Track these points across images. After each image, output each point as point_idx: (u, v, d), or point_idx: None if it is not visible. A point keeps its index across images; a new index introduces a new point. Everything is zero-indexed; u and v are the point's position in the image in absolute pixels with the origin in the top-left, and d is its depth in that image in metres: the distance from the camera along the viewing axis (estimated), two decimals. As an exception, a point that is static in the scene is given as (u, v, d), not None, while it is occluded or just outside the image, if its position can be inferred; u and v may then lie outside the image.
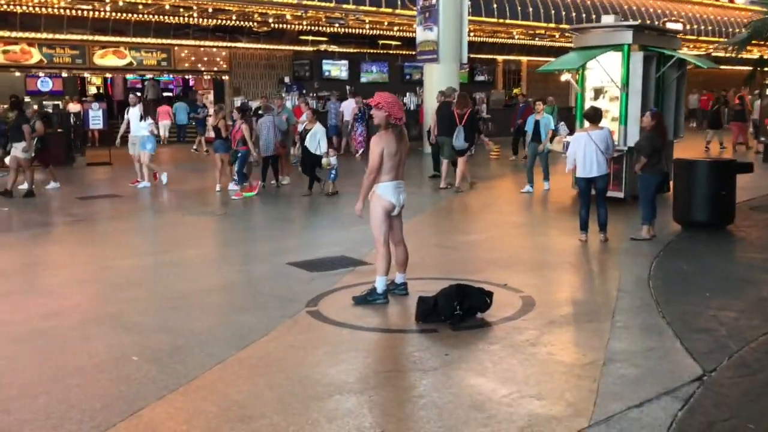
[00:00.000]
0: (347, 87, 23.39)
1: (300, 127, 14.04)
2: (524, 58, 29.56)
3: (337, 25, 22.45)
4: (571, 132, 12.04)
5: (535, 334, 5.17)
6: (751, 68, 12.84)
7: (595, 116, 8.62)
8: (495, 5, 23.87)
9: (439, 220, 10.56)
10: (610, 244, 8.36)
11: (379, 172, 6.04)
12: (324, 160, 12.35)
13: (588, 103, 12.02)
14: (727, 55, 16.80)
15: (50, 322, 5.67)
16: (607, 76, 11.42)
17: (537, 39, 27.22)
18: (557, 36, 27.10)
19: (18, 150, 12.36)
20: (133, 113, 13.79)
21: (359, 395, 4.14)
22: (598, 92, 11.93)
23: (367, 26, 23.31)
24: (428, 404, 3.99)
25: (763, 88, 17.35)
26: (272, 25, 21.92)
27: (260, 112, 15.08)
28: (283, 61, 23.93)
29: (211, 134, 15.53)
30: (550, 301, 5.99)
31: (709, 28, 30.91)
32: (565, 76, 14.40)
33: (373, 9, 21.21)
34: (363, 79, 24.65)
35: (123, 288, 6.72)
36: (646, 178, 8.65)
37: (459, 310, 5.42)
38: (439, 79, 20.76)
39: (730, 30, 31.18)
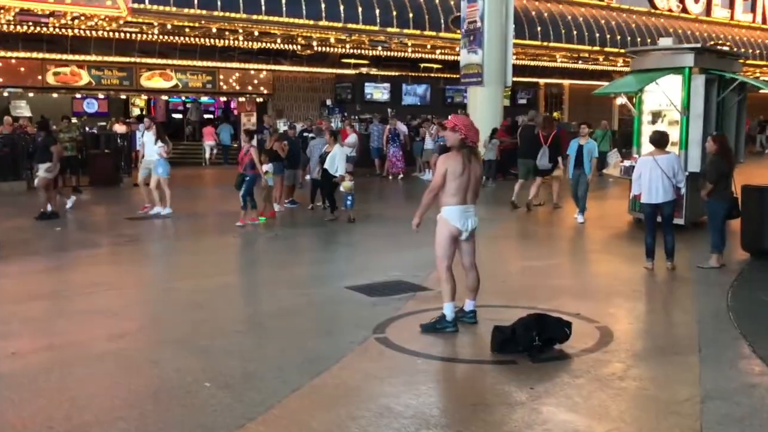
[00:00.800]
0: (389, 110, 23.42)
1: (318, 150, 13.24)
2: (566, 81, 29.35)
3: (380, 48, 22.51)
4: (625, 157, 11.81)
5: (620, 367, 4.94)
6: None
7: (660, 141, 8.38)
8: (539, 28, 23.73)
9: (497, 245, 10.34)
10: (678, 272, 8.08)
11: (444, 194, 5.88)
12: (343, 184, 11.78)
13: (646, 127, 11.81)
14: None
15: (116, 344, 5.59)
16: (665, 100, 11.16)
17: (580, 62, 27.00)
18: (601, 59, 26.86)
19: (41, 170, 12.15)
20: (148, 137, 13.01)
21: (446, 429, 3.95)
22: (656, 116, 11.66)
23: (410, 49, 23.34)
24: (523, 442, 3.78)
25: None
26: (315, 48, 22.06)
27: (311, 135, 15.07)
28: (326, 83, 24.04)
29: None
30: (628, 332, 5.76)
31: (757, 51, 30.39)
32: (620, 100, 14.14)
33: (417, 32, 21.22)
34: (404, 102, 24.62)
35: (186, 310, 6.63)
36: (714, 204, 8.37)
37: (538, 341, 5.21)
38: (483, 101, 20.66)
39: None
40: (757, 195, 8.92)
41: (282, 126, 18.78)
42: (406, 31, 20.95)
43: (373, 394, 4.50)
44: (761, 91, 13.10)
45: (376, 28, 20.44)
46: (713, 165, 8.24)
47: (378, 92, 24.26)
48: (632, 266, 8.45)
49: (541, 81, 28.25)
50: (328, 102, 23.63)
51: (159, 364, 5.12)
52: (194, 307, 6.71)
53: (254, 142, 11.87)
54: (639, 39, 26.18)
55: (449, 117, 6.09)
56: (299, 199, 13.88)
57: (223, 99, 24.96)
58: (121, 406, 4.37)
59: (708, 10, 30.22)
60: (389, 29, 20.70)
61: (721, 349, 5.31)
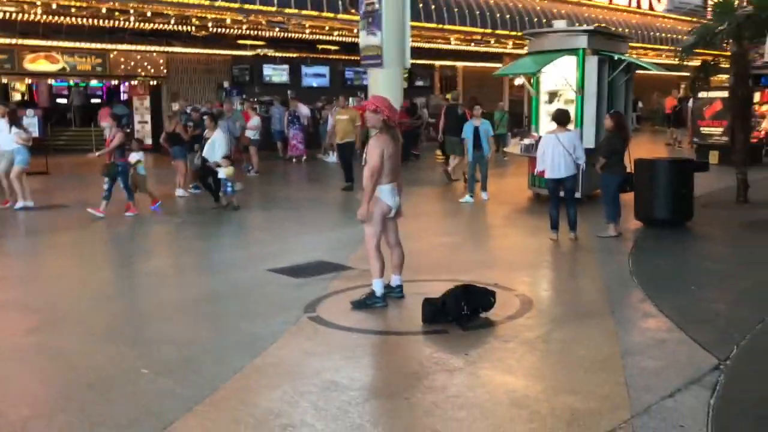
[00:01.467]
0: (288, 92, 23.23)
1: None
2: (460, 64, 30.02)
3: (277, 29, 22.20)
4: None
5: (544, 330, 5.26)
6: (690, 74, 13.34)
7: (562, 118, 8.83)
8: (434, 9, 24.12)
9: (408, 224, 10.57)
10: (580, 242, 8.58)
11: (379, 175, 6.01)
12: (225, 171, 11.31)
13: (543, 107, 12.38)
14: (668, 60, 17.44)
15: (37, 337, 5.41)
16: (561, 80, 11.73)
17: (473, 44, 27.66)
18: (492, 42, 27.62)
19: None
20: (2, 125, 11.57)
21: (395, 398, 4.12)
22: (552, 95, 12.23)
23: (308, 31, 23.15)
24: (467, 404, 4.00)
25: (695, 92, 18.18)
26: (211, 29, 21.49)
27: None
28: (222, 65, 23.50)
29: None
30: (545, 299, 6.12)
31: (633, 32, 32.15)
32: (519, 80, 14.71)
33: (315, 13, 21.06)
34: (304, 84, 24.47)
35: (105, 300, 6.46)
36: (608, 177, 8.92)
37: (466, 310, 5.46)
38: (383, 83, 20.75)
39: (652, 34, 32.62)
40: (648, 168, 9.57)
41: (175, 108, 18.23)
42: (304, 12, 20.75)
43: (317, 370, 4.59)
44: (645, 71, 13.93)
45: (274, 9, 20.11)
46: (608, 141, 8.79)
47: (277, 74, 23.96)
48: (538, 238, 8.90)
49: (437, 63, 28.76)
50: (226, 84, 23.14)
51: (89, 355, 4.99)
52: (113, 297, 6.57)
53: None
54: (527, 21, 27.14)
55: (369, 98, 6.18)
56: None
57: (114, 82, 23.89)
58: (58, 399, 4.27)
59: (589, -6, 31.72)
60: (287, 10, 20.43)
61: (631, 310, 5.75)
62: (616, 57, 11.92)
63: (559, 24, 12.60)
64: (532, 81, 12.27)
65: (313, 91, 24.06)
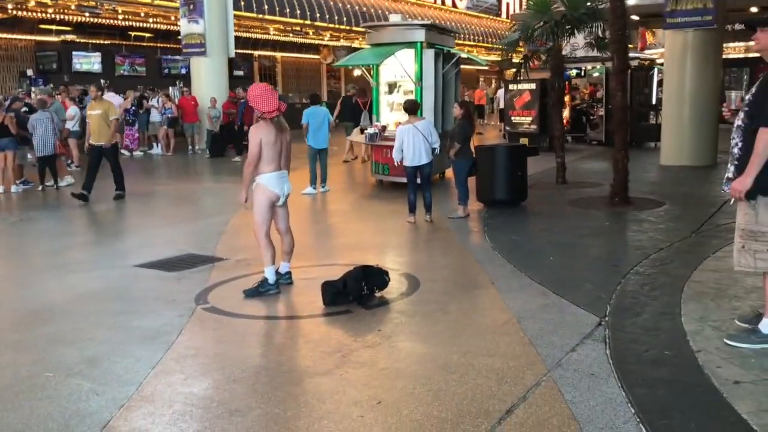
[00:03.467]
0: (101, 81, 21.85)
1: (42, 124, 12.20)
2: (279, 54, 29.99)
3: (87, 14, 20.80)
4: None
5: (440, 304, 5.64)
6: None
7: (413, 108, 9.34)
8: (255, 1, 23.90)
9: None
10: (435, 223, 9.13)
11: (260, 163, 6.04)
12: None
13: (383, 97, 12.88)
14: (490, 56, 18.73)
15: None
16: (399, 71, 12.29)
17: (291, 35, 27.76)
18: (311, 33, 27.91)
19: None
20: None
21: (330, 375, 4.26)
22: (392, 86, 12.78)
23: (120, 16, 21.94)
24: (402, 374, 4.25)
25: (506, 83, 19.75)
26: (11, 11, 19.66)
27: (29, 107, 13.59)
28: (24, 52, 21.56)
29: None
30: (428, 276, 6.48)
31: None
32: (358, 71, 15.11)
33: (130, -1, 20.08)
34: (118, 73, 23.12)
35: (-33, 306, 5.88)
36: (460, 162, 9.56)
37: (366, 290, 5.70)
38: (207, 72, 20.42)
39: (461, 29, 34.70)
40: (488, 153, 10.38)
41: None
42: (118, -3, 19.71)
43: (240, 357, 4.60)
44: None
45: (86, -8, 18.90)
46: (461, 128, 9.42)
47: (88, 62, 22.39)
48: (396, 221, 9.33)
49: (255, 53, 28.50)
50: (29, 72, 21.25)
51: (-26, 364, 4.59)
52: (-23, 302, 5.98)
53: None
54: (344, 15, 27.78)
55: (249, 88, 6.19)
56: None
57: None
58: (-39, 414, 3.91)
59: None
60: (100, -6, 19.29)
61: (507, 280, 6.30)
62: (448, 50, 12.71)
63: (395, 18, 13.16)
64: (372, 72, 12.70)
65: (129, 81, 22.84)
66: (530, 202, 10.42)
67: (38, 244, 8.55)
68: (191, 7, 19.97)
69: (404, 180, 11.90)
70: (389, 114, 12.73)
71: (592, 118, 20.41)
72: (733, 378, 3.92)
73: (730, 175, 4.22)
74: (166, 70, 24.86)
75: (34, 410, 3.90)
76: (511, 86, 19.05)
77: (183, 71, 25.20)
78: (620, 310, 5.26)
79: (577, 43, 17.56)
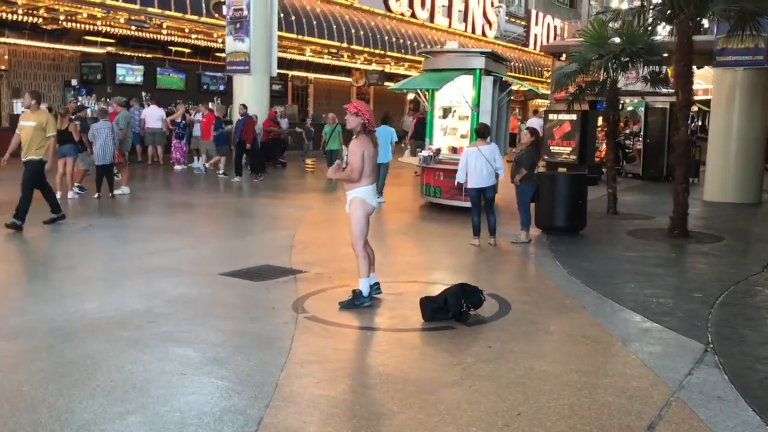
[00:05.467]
0: (143, 93, 22.24)
1: (103, 134, 12.35)
2: (311, 75, 30.38)
3: (134, 27, 21.19)
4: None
5: (539, 325, 5.76)
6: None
7: (484, 132, 9.52)
8: (294, 20, 24.29)
9: (326, 228, 10.73)
10: (499, 247, 9.26)
11: (360, 176, 6.20)
12: None
13: (437, 121, 13.10)
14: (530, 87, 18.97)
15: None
16: (454, 96, 12.51)
17: (326, 57, 28.14)
18: (346, 56, 28.29)
19: None
20: None
21: (459, 386, 4.38)
22: (446, 111, 12.99)
23: (165, 31, 22.33)
24: (530, 388, 4.36)
25: (546, 113, 19.98)
26: (62, 22, 20.06)
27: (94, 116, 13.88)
28: (70, 62, 21.93)
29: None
30: (515, 298, 6.59)
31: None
32: (411, 95, 15.33)
33: (179, 15, 20.41)
34: (159, 86, 23.48)
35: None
36: (524, 188, 9.70)
37: (465, 307, 5.83)
38: (250, 90, 20.69)
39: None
40: (549, 181, 10.54)
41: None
42: (168, 12, 20.04)
43: (363, 365, 4.78)
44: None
45: (137, 6, 19.24)
46: (529, 154, 9.58)
47: (131, 74, 22.77)
48: (459, 242, 9.46)
49: (290, 73, 28.88)
50: (74, 82, 21.60)
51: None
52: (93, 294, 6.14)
53: None
54: (378, 38, 28.19)
55: (351, 102, 6.38)
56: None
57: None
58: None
59: (432, 17, 33.55)
60: (150, 9, 19.63)
61: (596, 305, 6.40)
62: (505, 79, 12.94)
63: (452, 45, 13.41)
64: (428, 96, 12.93)
65: (168, 94, 23.17)
66: (588, 230, 10.55)
67: (116, 250, 8.72)
68: (238, 25, 20.33)
69: (455, 203, 12.24)
70: (443, 138, 12.93)
71: (628, 151, 20.58)
72: None
73: None
74: (205, 86, 25.22)
75: (184, 404, 4.03)
76: (551, 116, 19.26)
77: (221, 87, 25.58)
78: (722, 338, 5.37)
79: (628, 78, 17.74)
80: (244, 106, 17.86)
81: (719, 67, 14.33)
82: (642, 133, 19.80)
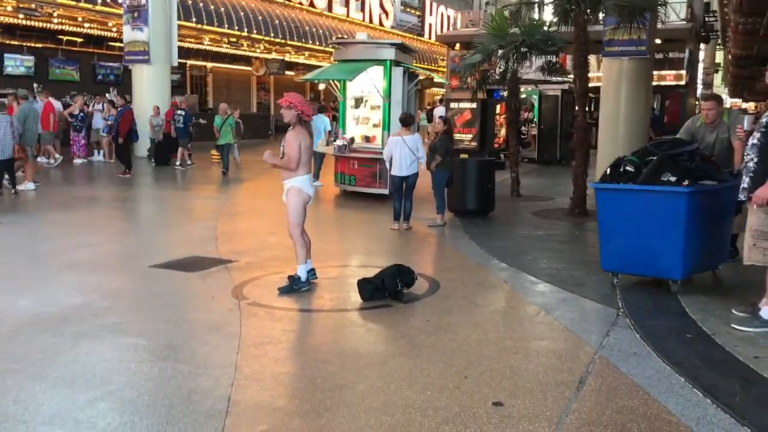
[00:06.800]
0: (35, 85, 21.27)
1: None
2: (210, 64, 29.91)
3: (22, 15, 20.25)
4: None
5: (467, 299, 6.21)
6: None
7: (408, 121, 9.89)
8: (192, 9, 23.90)
9: (251, 218, 10.85)
10: (416, 230, 9.71)
11: (297, 166, 6.45)
12: None
13: (349, 111, 13.41)
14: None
15: None
16: (366, 87, 12.85)
17: (225, 46, 27.81)
18: (245, 45, 28.06)
19: None
20: None
21: (408, 356, 4.74)
22: (358, 101, 13.31)
23: (56, 20, 21.46)
24: (472, 354, 4.78)
25: (448, 102, 20.68)
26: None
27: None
28: (-51, 52, 20.72)
29: None
30: (442, 276, 7.04)
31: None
32: (322, 85, 15.50)
33: (73, 3, 19.71)
34: (52, 77, 22.51)
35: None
36: (439, 174, 10.19)
37: (400, 287, 6.21)
38: (149, 80, 20.29)
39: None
40: (460, 167, 11.08)
41: None
42: (60, 0, 19.31)
43: (315, 344, 5.04)
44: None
45: (27, -6, 18.46)
46: (443, 142, 10.06)
47: (21, 65, 21.68)
48: (379, 228, 9.86)
49: (188, 62, 28.33)
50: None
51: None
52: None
53: None
54: (277, 25, 28.15)
55: (284, 95, 6.58)
56: None
57: None
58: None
59: (330, 7, 33.74)
60: (41, -3, 18.87)
61: (516, 279, 6.95)
62: (413, 69, 13.40)
63: (361, 36, 13.73)
64: (339, 87, 13.20)
65: (62, 86, 22.28)
66: (497, 212, 11.18)
67: (36, 246, 8.52)
68: (136, 14, 19.85)
69: (369, 191, 12.62)
70: (355, 127, 13.25)
71: (523, 137, 21.61)
72: (752, 354, 4.70)
73: (746, 185, 5.05)
74: (100, 76, 24.39)
75: (150, 389, 4.19)
76: (452, 105, 19.98)
77: (112, 77, 24.80)
78: (629, 303, 6.00)
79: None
80: (123, 98, 17.49)
81: (607, 57, 15.38)
82: (537, 120, 20.85)
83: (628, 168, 6.27)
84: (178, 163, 17.57)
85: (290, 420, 3.81)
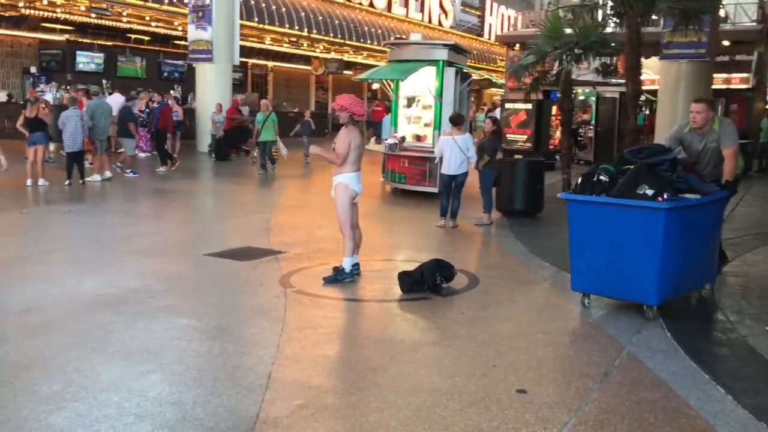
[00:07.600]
0: (104, 81, 22.27)
1: (72, 121, 12.73)
2: (271, 63, 30.60)
3: (93, 15, 21.19)
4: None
5: (506, 295, 6.40)
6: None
7: (458, 120, 10.07)
8: (254, 8, 24.52)
9: (302, 211, 11.22)
10: (462, 228, 9.89)
11: (345, 163, 6.73)
12: None
13: (402, 110, 13.66)
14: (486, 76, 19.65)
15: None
16: (418, 87, 13.08)
17: (286, 46, 28.42)
18: (305, 45, 28.61)
19: None
20: None
21: (439, 345, 4.98)
22: (410, 100, 13.55)
23: (125, 19, 22.38)
24: (502, 346, 4.97)
25: (503, 102, 20.72)
26: (21, 9, 19.97)
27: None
28: (29, 50, 21.81)
29: None
30: (483, 273, 7.23)
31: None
32: (376, 85, 15.81)
33: (140, 2, 20.53)
34: (119, 74, 23.50)
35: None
36: (487, 173, 10.36)
37: (439, 281, 6.43)
38: (212, 78, 20.97)
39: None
40: (509, 167, 11.21)
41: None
42: (129, 0, 20.15)
43: (353, 330, 5.31)
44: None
45: (98, -7, 19.34)
46: (491, 142, 10.22)
47: (91, 62, 22.72)
48: (426, 225, 10.07)
49: (250, 61, 29.07)
50: (33, 70, 21.52)
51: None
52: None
53: None
54: (337, 26, 28.60)
55: (336, 98, 6.89)
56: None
57: None
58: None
59: (389, 7, 34.05)
60: (112, -5, 19.73)
61: (556, 278, 7.08)
62: (466, 70, 13.56)
63: (415, 37, 13.97)
64: (392, 86, 13.47)
65: (128, 82, 23.23)
66: (545, 213, 11.26)
67: (101, 233, 9.07)
68: (200, 14, 20.54)
69: (419, 189, 12.84)
70: (407, 126, 13.50)
71: (580, 139, 21.48)
72: (784, 356, 4.76)
73: None
74: (165, 74, 25.31)
75: (198, 364, 4.53)
76: (507, 105, 20.01)
77: (177, 74, 25.67)
78: (666, 304, 6.07)
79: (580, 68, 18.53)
80: (160, 94, 18.04)
81: (665, 60, 15.23)
82: (593, 122, 20.69)
83: (602, 177, 5.64)
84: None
85: (324, 396, 4.09)
